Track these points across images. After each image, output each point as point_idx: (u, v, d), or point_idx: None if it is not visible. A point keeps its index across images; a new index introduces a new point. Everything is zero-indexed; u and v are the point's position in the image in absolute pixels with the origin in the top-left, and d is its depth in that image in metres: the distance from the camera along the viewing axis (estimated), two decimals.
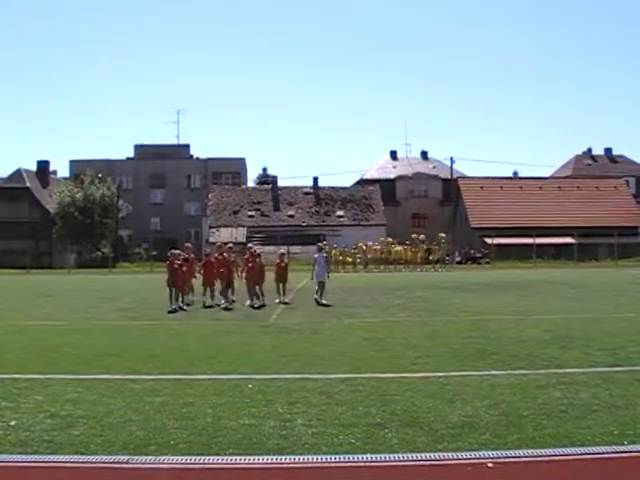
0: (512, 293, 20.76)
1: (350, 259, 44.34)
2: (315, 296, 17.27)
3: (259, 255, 18.08)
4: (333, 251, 41.41)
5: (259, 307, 16.29)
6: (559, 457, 4.54)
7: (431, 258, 45.55)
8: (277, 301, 17.33)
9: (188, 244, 19.39)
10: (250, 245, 20.76)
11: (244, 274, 17.33)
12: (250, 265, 17.36)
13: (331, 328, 12.19)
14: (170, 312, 15.28)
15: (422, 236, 47.30)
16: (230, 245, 19.05)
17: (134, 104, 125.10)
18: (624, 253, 50.37)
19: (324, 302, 16.92)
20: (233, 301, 16.95)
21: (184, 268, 16.68)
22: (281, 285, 17.90)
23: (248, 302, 16.73)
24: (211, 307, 16.35)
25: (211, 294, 17.10)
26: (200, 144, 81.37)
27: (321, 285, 17.60)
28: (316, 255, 18.40)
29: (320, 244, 19.98)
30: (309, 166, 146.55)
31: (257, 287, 17.10)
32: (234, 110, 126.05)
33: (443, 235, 48.03)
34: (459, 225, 62.09)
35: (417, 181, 72.43)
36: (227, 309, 15.93)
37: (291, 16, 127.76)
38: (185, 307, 16.24)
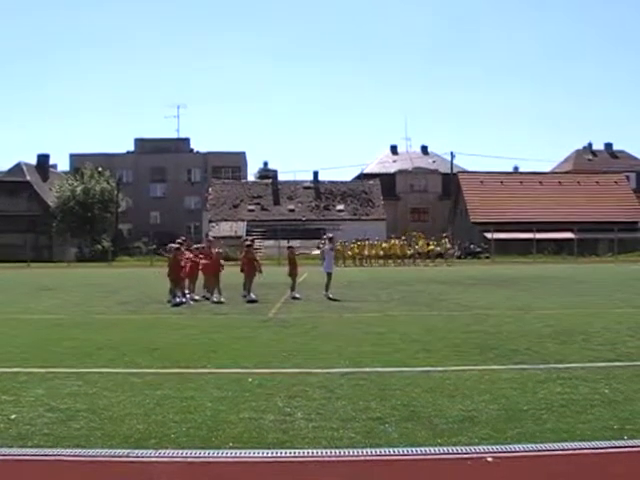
0: (512, 288, 20.77)
1: (351, 253, 44.31)
2: (324, 292, 17.17)
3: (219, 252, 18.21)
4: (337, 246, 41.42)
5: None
6: (559, 452, 4.54)
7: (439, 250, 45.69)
8: (287, 296, 17.28)
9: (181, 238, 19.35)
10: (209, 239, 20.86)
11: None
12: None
13: (331, 322, 12.19)
14: (175, 305, 15.43)
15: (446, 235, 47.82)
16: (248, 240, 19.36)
17: (134, 98, 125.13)
18: (624, 248, 50.43)
19: (331, 296, 16.90)
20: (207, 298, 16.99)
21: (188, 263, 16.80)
22: (291, 279, 17.87)
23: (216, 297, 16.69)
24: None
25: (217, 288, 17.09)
26: (200, 138, 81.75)
27: (329, 277, 17.54)
28: (326, 247, 18.34)
29: (330, 235, 19.92)
30: (309, 160, 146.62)
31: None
32: (234, 104, 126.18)
33: (446, 235, 48.50)
34: (459, 220, 62.10)
35: (417, 176, 72.42)
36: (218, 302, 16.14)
37: (292, 11, 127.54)
38: (191, 301, 16.25)
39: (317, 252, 18.56)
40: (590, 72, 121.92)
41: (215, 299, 16.44)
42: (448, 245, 46.47)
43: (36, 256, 51.38)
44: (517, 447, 4.62)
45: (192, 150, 75.05)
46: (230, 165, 71.60)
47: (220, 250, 18.67)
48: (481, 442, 4.73)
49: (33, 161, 65.68)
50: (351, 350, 8.82)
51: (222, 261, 18.08)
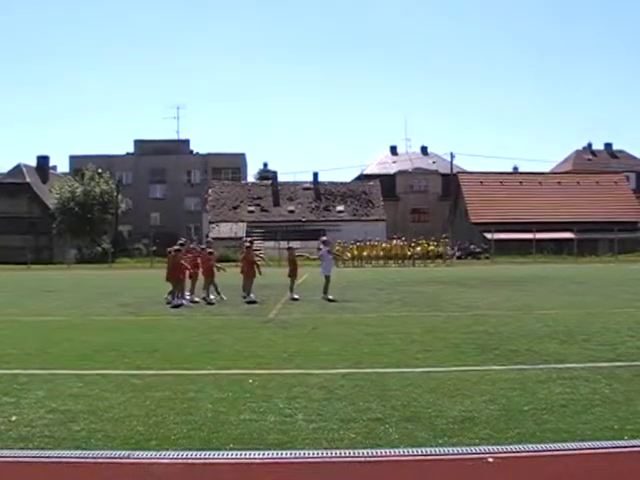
0: (512, 288, 20.76)
1: (350, 255, 44.23)
2: (322, 295, 17.11)
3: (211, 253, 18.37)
4: (337, 247, 41.37)
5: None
6: (559, 452, 4.54)
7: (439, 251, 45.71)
8: (287, 297, 17.25)
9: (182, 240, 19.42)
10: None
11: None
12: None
13: (331, 323, 12.19)
14: (175, 306, 15.47)
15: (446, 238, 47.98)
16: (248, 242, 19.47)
17: (134, 99, 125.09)
18: (624, 248, 50.36)
19: (330, 297, 16.85)
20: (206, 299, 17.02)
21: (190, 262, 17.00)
22: (290, 280, 17.84)
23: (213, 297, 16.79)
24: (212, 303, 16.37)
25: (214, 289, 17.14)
26: (200, 139, 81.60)
27: (327, 280, 17.47)
28: (322, 250, 18.30)
29: (324, 238, 19.94)
30: (309, 161, 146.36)
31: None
32: (234, 105, 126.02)
33: (446, 235, 48.76)
34: (459, 220, 62.10)
35: (417, 176, 72.44)
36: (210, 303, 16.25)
37: (292, 11, 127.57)
38: (191, 303, 16.25)
39: (316, 256, 18.54)
40: (590, 72, 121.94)
41: (214, 300, 16.48)
42: (445, 247, 46.51)
43: (36, 258, 51.33)
44: (517, 447, 4.63)
45: (192, 151, 75.06)
46: (230, 166, 71.61)
47: (211, 250, 18.78)
48: (481, 442, 4.73)
49: (33, 163, 65.68)
50: (351, 351, 8.82)
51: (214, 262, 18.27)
